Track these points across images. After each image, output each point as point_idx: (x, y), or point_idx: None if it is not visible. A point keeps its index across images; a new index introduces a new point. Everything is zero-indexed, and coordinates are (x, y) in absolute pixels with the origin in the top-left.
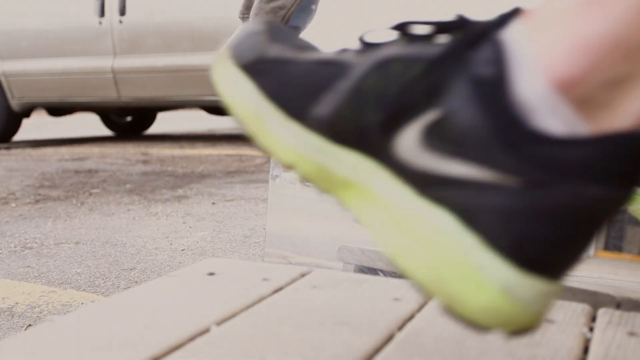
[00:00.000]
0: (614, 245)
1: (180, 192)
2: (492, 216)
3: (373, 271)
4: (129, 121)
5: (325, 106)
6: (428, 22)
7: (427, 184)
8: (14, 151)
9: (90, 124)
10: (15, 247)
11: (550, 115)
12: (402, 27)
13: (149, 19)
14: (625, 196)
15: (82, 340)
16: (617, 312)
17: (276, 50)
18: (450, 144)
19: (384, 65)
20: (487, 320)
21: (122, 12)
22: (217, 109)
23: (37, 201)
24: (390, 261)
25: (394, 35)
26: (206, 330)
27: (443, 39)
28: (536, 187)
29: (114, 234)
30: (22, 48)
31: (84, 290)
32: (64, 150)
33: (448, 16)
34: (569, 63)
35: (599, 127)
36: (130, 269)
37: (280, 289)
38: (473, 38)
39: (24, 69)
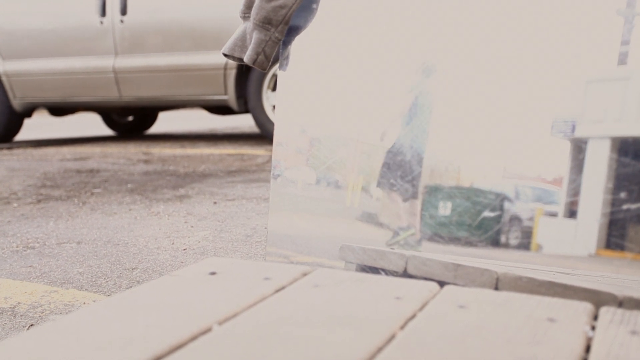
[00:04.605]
0: (616, 244)
1: (181, 191)
2: None
3: (375, 270)
4: (130, 121)
5: None
6: None
7: None
8: (15, 151)
9: (92, 124)
10: (17, 247)
11: None
12: None
13: (150, 18)
14: None
15: (84, 339)
16: (619, 311)
17: None
18: None
19: None
20: None
21: (124, 11)
22: (218, 109)
23: (39, 201)
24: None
25: None
26: (208, 330)
27: None
28: None
29: (115, 233)
30: (24, 48)
31: (86, 289)
32: (66, 150)
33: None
34: None
35: None
36: (132, 269)
37: (282, 288)
38: None
39: (26, 69)
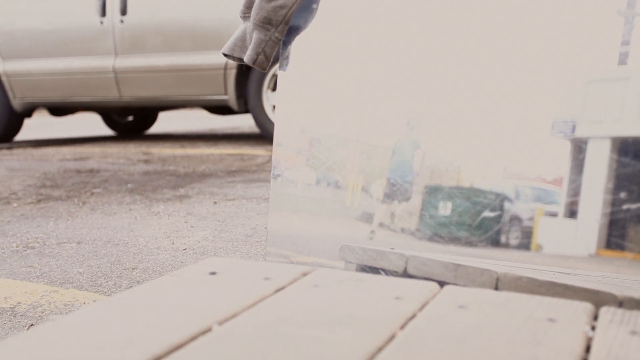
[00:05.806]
0: (616, 244)
1: (181, 191)
2: None
3: (375, 270)
4: (130, 121)
5: None
6: None
7: None
8: (15, 151)
9: (92, 124)
10: (17, 247)
11: None
12: None
13: (150, 19)
14: None
15: (84, 339)
16: (619, 311)
17: None
18: None
19: None
20: None
21: (124, 11)
22: (218, 109)
23: (39, 201)
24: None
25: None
26: (208, 330)
27: None
28: None
29: (115, 233)
30: (24, 48)
31: (86, 289)
32: (66, 150)
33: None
34: None
35: None
36: (132, 269)
37: (282, 288)
38: None
39: (26, 69)
